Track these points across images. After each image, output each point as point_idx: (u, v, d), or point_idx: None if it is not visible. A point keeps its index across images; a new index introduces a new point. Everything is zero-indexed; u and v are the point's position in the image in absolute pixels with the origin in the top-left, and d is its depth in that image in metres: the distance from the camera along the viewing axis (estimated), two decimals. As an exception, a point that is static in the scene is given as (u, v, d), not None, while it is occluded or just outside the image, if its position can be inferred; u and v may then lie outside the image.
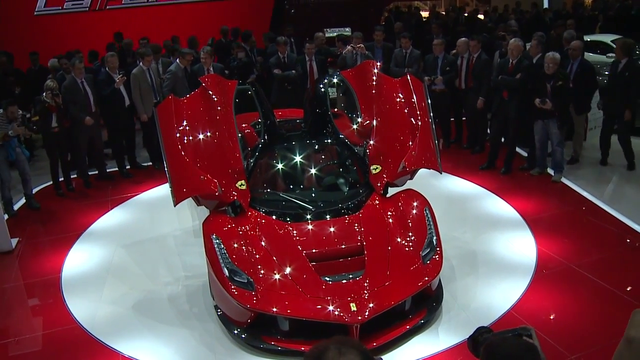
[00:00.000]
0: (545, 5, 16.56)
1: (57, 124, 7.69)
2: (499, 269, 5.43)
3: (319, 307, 4.22)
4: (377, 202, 5.27)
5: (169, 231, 6.67)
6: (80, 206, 7.65)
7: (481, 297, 4.97)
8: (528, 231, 6.16)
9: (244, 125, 6.02)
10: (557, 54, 7.27)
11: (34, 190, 8.01)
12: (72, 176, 8.32)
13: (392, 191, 5.60)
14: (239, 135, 5.71)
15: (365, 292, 4.31)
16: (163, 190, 7.99)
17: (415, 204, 5.20)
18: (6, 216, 6.83)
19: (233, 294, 4.36)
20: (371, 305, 4.22)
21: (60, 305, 5.26)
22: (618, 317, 4.62)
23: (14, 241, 6.54)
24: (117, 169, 8.78)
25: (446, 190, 7.37)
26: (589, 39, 10.90)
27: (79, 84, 8.02)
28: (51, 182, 8.21)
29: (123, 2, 13.73)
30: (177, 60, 8.80)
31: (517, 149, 8.24)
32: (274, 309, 4.27)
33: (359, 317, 4.14)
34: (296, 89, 9.34)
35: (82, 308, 5.17)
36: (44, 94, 7.55)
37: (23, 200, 7.77)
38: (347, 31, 13.53)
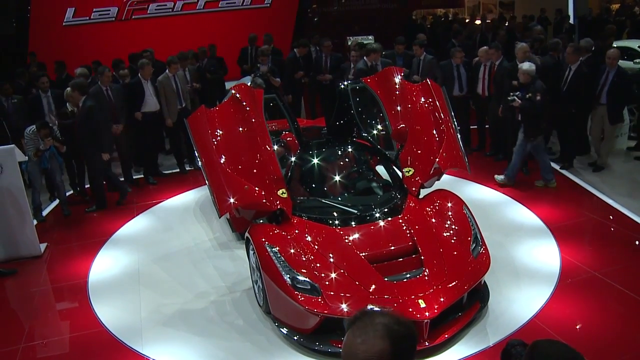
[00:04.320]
0: (570, 11, 16.36)
1: None
2: (522, 277, 5.39)
3: (389, 306, 4.28)
4: (413, 203, 5.38)
5: (194, 238, 6.75)
6: (106, 212, 7.79)
7: (504, 305, 4.93)
8: (552, 239, 6.09)
9: (286, 132, 6.14)
10: (533, 65, 7.26)
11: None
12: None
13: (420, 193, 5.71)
14: (283, 143, 5.80)
15: (430, 288, 4.42)
16: (187, 197, 8.13)
17: (452, 203, 5.37)
18: (35, 222, 6.98)
19: (300, 301, 4.35)
20: (439, 300, 4.34)
21: (87, 309, 5.37)
22: (644, 327, 4.56)
23: (43, 246, 6.70)
24: (142, 175, 8.95)
25: (469, 198, 7.26)
26: (615, 45, 10.77)
27: (103, 92, 8.20)
28: (78, 189, 8.42)
29: (148, 12, 13.97)
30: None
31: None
32: (345, 312, 4.28)
33: (430, 313, 4.23)
34: None
35: (108, 312, 5.27)
36: (67, 105, 7.73)
37: (51, 207, 7.96)
38: (369, 39, 13.57)
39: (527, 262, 5.67)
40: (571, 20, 15.42)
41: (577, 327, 4.65)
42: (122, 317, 5.16)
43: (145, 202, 8.02)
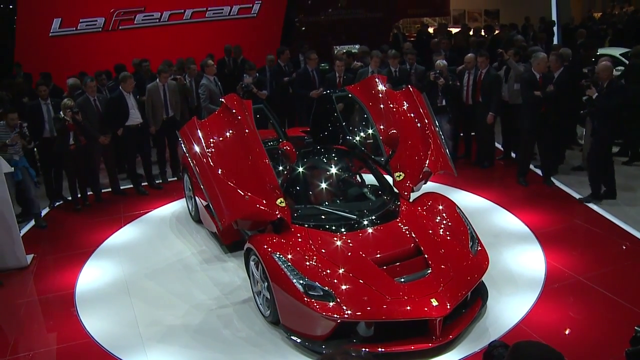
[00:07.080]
0: (554, 18, 16.53)
1: (75, 141, 7.84)
2: (508, 282, 5.43)
3: (404, 307, 4.36)
4: (407, 207, 5.50)
5: (183, 248, 6.73)
6: (94, 222, 7.76)
7: (490, 310, 4.97)
8: (537, 244, 6.16)
9: (284, 141, 6.15)
10: (445, 62, 8.71)
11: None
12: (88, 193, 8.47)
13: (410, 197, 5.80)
14: (281, 151, 5.84)
15: (439, 287, 4.52)
16: (174, 207, 8.11)
17: (444, 205, 5.56)
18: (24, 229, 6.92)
19: (315, 308, 4.36)
20: (449, 297, 4.45)
21: (74, 320, 5.33)
22: (629, 331, 4.60)
23: (29, 257, 6.65)
24: (131, 185, 8.93)
25: (455, 205, 7.39)
26: (598, 53, 10.93)
27: (91, 102, 8.19)
28: (69, 198, 8.41)
29: (135, 22, 13.96)
30: (205, 74, 9.43)
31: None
32: (362, 316, 4.33)
33: (443, 311, 4.35)
34: None
35: (98, 324, 5.22)
36: (61, 112, 7.70)
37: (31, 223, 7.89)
38: (356, 48, 13.66)
39: (513, 267, 5.72)
40: (555, 28, 15.58)
41: (563, 331, 4.70)
42: (117, 331, 5.08)
43: (132, 213, 7.99)
